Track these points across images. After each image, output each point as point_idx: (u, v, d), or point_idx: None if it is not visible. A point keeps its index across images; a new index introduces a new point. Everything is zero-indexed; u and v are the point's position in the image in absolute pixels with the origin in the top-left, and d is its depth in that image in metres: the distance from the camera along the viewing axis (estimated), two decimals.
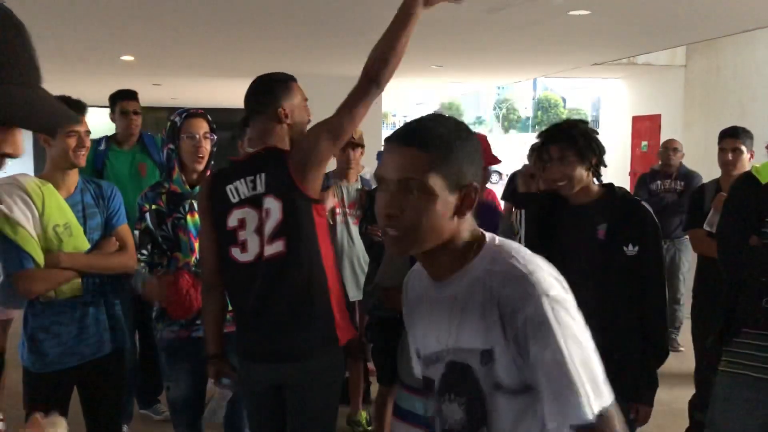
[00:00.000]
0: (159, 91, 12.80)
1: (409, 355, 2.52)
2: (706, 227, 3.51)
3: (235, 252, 2.25)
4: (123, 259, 2.66)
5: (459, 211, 1.25)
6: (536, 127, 61.39)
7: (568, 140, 2.36)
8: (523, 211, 2.54)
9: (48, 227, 2.49)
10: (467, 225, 1.29)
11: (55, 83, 12.40)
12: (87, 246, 2.58)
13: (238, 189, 2.27)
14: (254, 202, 2.24)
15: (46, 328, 2.54)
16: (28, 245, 2.45)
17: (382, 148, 5.54)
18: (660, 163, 5.46)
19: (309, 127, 2.34)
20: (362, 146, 3.80)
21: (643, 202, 2.45)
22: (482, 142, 2.48)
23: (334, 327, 2.27)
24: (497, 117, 67.35)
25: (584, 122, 2.47)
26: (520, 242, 2.53)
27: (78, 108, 2.57)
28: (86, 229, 2.60)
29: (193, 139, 2.67)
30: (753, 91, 9.23)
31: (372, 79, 2.12)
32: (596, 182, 2.45)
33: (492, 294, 1.22)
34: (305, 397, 2.29)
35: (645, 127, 12.35)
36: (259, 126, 2.34)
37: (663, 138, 9.32)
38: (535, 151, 2.48)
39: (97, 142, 3.79)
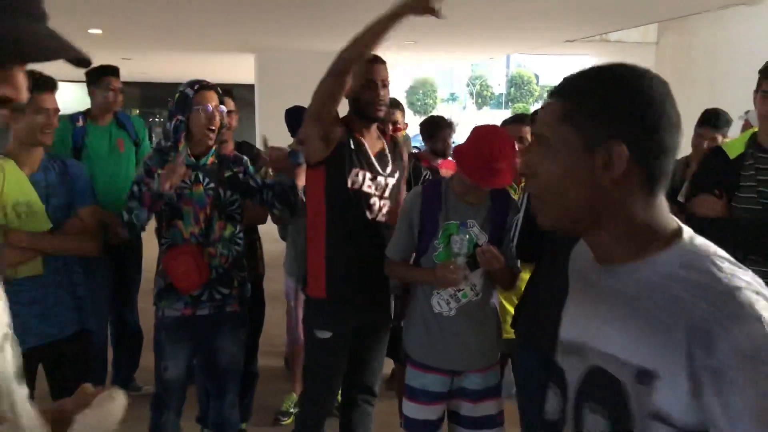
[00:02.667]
0: (128, 66, 12.56)
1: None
2: (680, 199, 3.53)
3: None
4: (84, 241, 2.61)
5: (602, 177, 1.00)
6: (510, 103, 61.47)
7: None
8: (526, 193, 2.54)
9: (8, 205, 2.42)
10: (642, 204, 1.02)
11: None
12: (48, 225, 2.51)
13: None
14: None
15: None
16: None
17: None
18: None
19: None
20: (400, 111, 3.77)
21: None
22: (506, 159, 2.41)
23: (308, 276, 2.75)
24: (471, 94, 67.30)
25: None
26: (517, 225, 2.53)
27: (48, 85, 2.51)
28: (49, 209, 2.53)
29: (207, 111, 2.65)
30: (722, 69, 9.33)
31: (330, 73, 2.45)
32: None
33: (680, 307, 0.93)
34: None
35: None
36: None
37: None
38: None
39: (72, 118, 3.73)
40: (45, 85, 2.50)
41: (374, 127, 2.77)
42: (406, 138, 3.96)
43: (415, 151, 4.75)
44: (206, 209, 2.70)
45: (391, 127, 3.25)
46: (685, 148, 4.38)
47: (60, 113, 2.64)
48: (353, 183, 2.65)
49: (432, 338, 2.54)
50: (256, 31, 8.16)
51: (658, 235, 1.03)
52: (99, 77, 3.82)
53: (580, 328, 1.12)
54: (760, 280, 0.95)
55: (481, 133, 2.49)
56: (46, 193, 2.54)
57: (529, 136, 3.41)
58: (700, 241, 1.02)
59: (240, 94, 3.72)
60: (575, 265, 1.22)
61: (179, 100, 2.68)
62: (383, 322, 2.89)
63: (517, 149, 3.18)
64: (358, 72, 2.59)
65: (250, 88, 11.49)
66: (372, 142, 2.75)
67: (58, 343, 2.59)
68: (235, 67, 12.64)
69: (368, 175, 2.69)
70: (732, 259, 0.99)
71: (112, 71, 3.90)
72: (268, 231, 3.49)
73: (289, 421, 3.80)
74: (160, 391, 2.80)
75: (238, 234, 2.79)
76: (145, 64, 12.58)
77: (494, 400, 2.61)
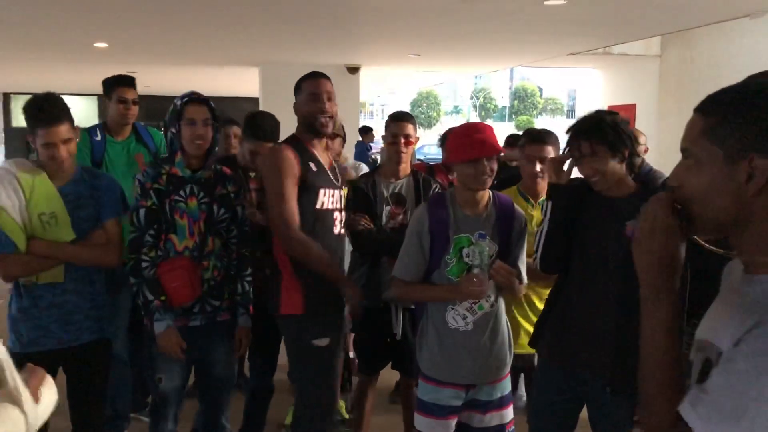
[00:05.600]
0: None
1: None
2: None
3: None
4: (103, 252, 2.65)
5: (745, 190, 1.04)
6: (513, 116, 61.59)
7: (598, 134, 2.31)
8: (549, 202, 2.52)
9: (33, 215, 2.53)
10: None
11: (26, 71, 12.04)
12: (71, 236, 2.59)
13: None
14: None
15: (25, 309, 2.60)
16: (11, 230, 2.49)
17: (359, 138, 5.61)
18: None
19: (332, 118, 2.77)
20: (340, 136, 3.79)
21: None
22: (486, 130, 2.48)
23: (278, 296, 2.76)
24: (474, 106, 67.48)
25: (613, 113, 2.41)
26: (541, 234, 2.53)
27: (52, 118, 2.51)
28: (75, 220, 2.60)
29: (192, 125, 2.66)
30: (726, 82, 9.19)
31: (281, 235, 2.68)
32: (632, 176, 2.40)
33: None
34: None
35: None
36: None
37: (638, 128, 9.38)
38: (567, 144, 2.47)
39: (90, 132, 3.64)
40: (50, 119, 2.52)
41: (323, 140, 2.85)
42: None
43: (418, 162, 4.75)
44: (200, 223, 2.71)
45: (402, 140, 3.26)
46: None
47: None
48: (322, 204, 2.75)
49: (447, 353, 2.53)
50: (261, 44, 8.20)
51: None
52: (110, 88, 3.73)
53: (707, 327, 1.14)
54: None
55: (455, 128, 2.75)
56: (74, 205, 2.62)
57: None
58: None
59: (245, 107, 3.74)
60: (729, 274, 1.22)
61: (171, 113, 2.71)
62: (343, 330, 2.96)
63: (539, 170, 3.17)
64: (303, 88, 2.75)
65: (255, 101, 11.54)
66: (323, 156, 2.84)
67: (77, 349, 2.68)
68: (239, 80, 12.70)
69: (329, 191, 2.78)
70: None
71: (123, 81, 3.77)
72: None
73: None
74: (157, 401, 2.81)
75: (226, 247, 2.81)
76: (151, 78, 12.64)
77: (505, 409, 2.60)
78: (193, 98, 2.71)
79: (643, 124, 10.37)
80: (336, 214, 2.82)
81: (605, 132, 2.30)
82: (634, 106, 11.91)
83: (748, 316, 1.00)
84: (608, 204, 2.38)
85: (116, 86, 3.73)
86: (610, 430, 2.42)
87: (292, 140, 2.78)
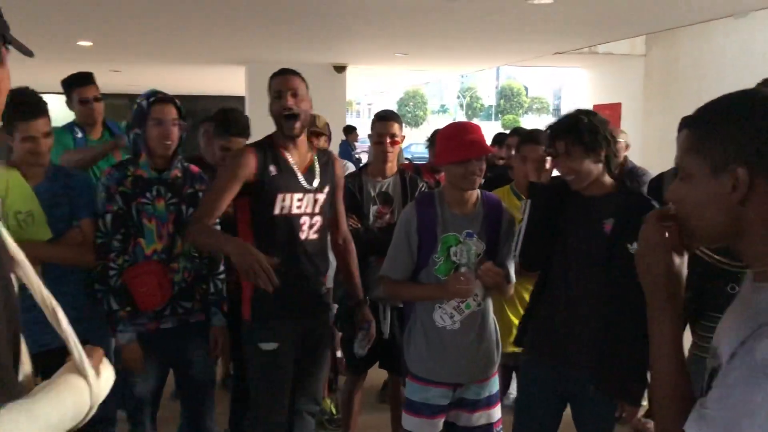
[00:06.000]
0: (118, 78, 12.54)
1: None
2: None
3: None
4: (81, 252, 2.60)
5: (732, 200, 1.05)
6: (499, 115, 61.76)
7: (574, 134, 2.32)
8: (528, 201, 2.53)
9: (10, 214, 2.47)
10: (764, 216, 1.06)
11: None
12: (48, 235, 2.54)
13: None
14: None
15: None
16: None
17: (344, 138, 5.61)
18: None
19: (303, 114, 2.60)
20: (325, 134, 3.78)
21: (654, 201, 2.35)
22: (476, 131, 2.49)
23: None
24: (461, 105, 67.63)
25: (591, 114, 2.42)
26: (520, 232, 2.53)
27: (33, 112, 2.48)
28: (50, 219, 2.55)
29: (160, 124, 2.60)
30: (710, 81, 9.41)
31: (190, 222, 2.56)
32: (611, 175, 2.41)
33: None
34: None
35: (605, 116, 12.06)
36: None
37: (623, 127, 9.45)
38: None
39: (71, 130, 3.56)
40: (30, 112, 2.48)
41: (302, 139, 2.68)
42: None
43: (405, 162, 4.75)
44: (168, 225, 2.65)
45: (388, 140, 3.25)
46: (670, 159, 4.38)
47: (55, 126, 2.62)
48: (281, 209, 2.59)
49: (435, 353, 2.53)
50: (247, 43, 8.17)
51: None
52: (69, 90, 3.61)
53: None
54: None
55: (444, 128, 2.68)
56: (49, 204, 2.57)
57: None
58: None
59: (231, 106, 3.69)
60: (747, 280, 1.22)
61: (136, 113, 2.63)
62: (324, 333, 2.84)
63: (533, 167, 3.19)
64: (270, 86, 2.62)
65: (241, 99, 11.50)
66: (300, 156, 2.68)
67: (56, 351, 2.60)
68: (225, 79, 12.65)
69: (296, 195, 2.61)
70: None
71: (81, 81, 3.61)
72: None
73: None
74: (133, 405, 2.75)
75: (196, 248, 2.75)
76: (135, 77, 12.56)
77: (493, 408, 2.61)
78: (160, 97, 2.63)
79: (628, 122, 10.44)
80: (305, 218, 2.64)
81: (581, 132, 2.32)
82: (619, 105, 11.98)
83: (746, 327, 1.02)
84: (586, 203, 2.40)
85: (74, 87, 3.60)
86: (594, 429, 2.43)
87: (263, 141, 2.66)
